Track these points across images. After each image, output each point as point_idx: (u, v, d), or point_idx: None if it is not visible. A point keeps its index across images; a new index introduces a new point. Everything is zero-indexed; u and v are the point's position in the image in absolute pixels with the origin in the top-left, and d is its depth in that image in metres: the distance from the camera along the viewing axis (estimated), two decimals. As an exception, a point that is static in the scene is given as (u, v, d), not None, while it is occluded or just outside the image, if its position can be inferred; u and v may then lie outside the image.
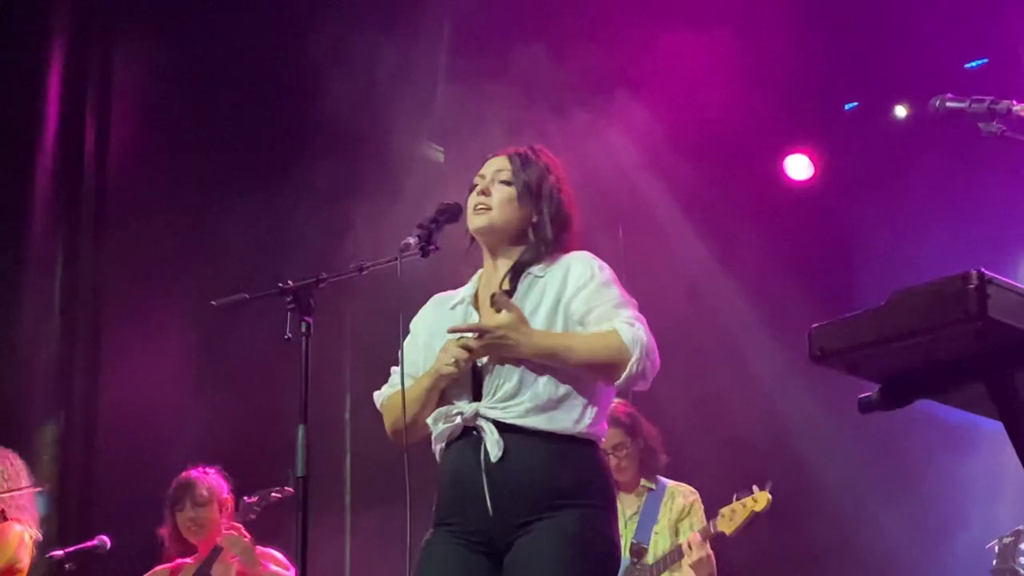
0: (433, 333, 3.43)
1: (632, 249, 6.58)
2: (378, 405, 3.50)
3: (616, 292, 3.35)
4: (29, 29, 6.94)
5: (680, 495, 5.24)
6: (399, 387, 3.35)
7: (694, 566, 4.97)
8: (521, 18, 6.90)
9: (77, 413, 6.82)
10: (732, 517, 4.99)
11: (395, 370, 3.48)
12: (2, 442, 5.44)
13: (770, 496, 4.98)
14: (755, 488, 5.01)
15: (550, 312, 3.32)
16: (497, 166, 3.47)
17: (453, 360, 3.28)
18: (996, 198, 6.13)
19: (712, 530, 5.01)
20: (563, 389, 3.27)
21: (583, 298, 3.32)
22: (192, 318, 6.34)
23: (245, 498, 5.22)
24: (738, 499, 5.02)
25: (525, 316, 3.28)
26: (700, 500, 5.27)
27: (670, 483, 5.27)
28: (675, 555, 5.05)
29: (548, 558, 3.17)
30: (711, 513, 5.11)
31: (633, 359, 3.22)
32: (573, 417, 3.27)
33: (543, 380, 3.26)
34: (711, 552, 4.98)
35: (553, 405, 3.26)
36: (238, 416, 6.41)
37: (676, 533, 5.16)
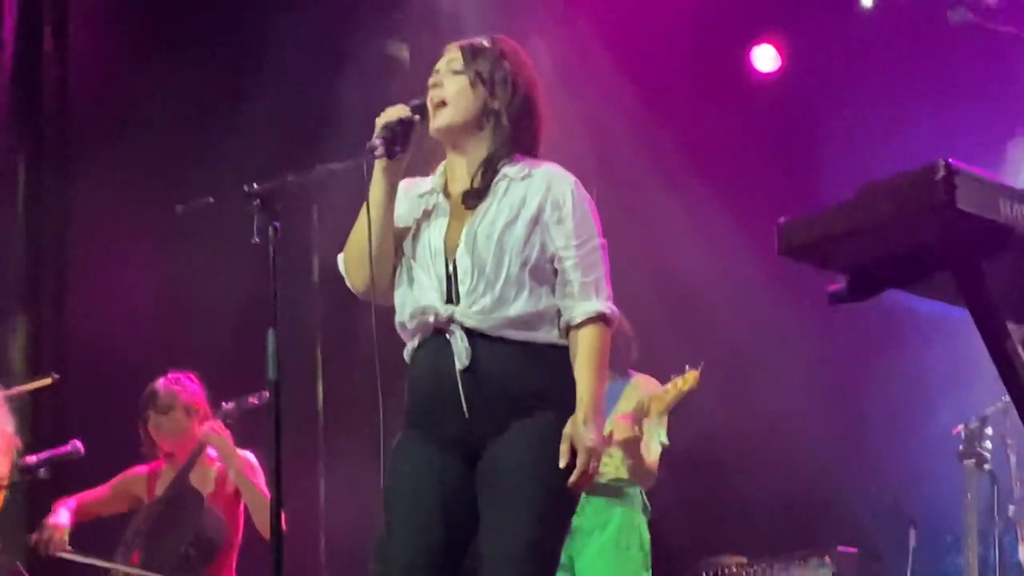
0: (400, 217, 3.41)
1: (598, 145, 6.55)
2: (341, 267, 3.46)
3: (596, 247, 3.35)
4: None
5: (642, 387, 5.22)
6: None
7: (620, 445, 4.99)
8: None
9: (46, 319, 6.80)
10: (663, 398, 5.06)
11: None
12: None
13: (698, 374, 5.02)
14: (687, 368, 5.05)
15: (528, 225, 3.29)
16: (450, 57, 3.43)
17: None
18: (964, 88, 6.10)
19: (644, 408, 5.07)
20: (541, 306, 3.28)
21: (565, 232, 3.31)
22: (159, 223, 6.28)
23: (223, 404, 5.23)
24: (673, 379, 5.10)
25: (499, 224, 3.28)
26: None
27: (636, 375, 5.27)
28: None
29: (521, 459, 3.21)
30: None
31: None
32: (548, 329, 3.30)
33: (522, 299, 3.26)
34: (639, 433, 5.02)
35: (529, 321, 3.27)
36: (210, 321, 6.39)
37: (638, 424, 5.15)
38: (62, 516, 5.17)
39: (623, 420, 5.04)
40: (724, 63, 7.34)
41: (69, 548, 5.12)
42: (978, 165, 2.75)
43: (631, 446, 5.02)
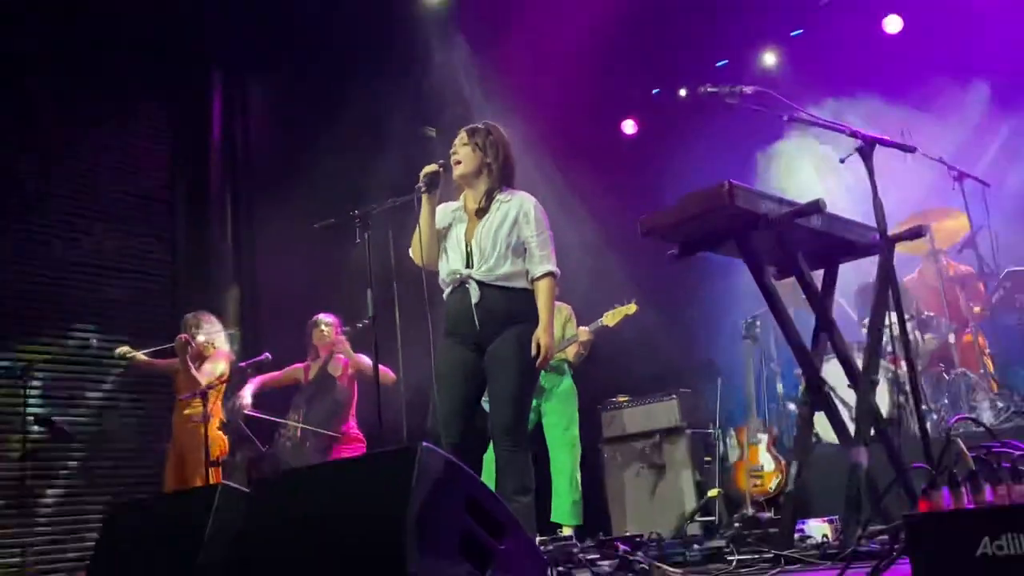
0: (440, 223, 3.42)
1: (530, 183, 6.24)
2: (411, 254, 3.45)
3: (547, 236, 3.35)
4: None
5: (566, 309, 5.07)
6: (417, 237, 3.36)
7: (583, 345, 4.91)
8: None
9: (247, 294, 6.36)
10: (613, 317, 4.92)
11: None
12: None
13: (636, 306, 4.91)
14: (626, 301, 4.94)
15: (511, 227, 3.32)
16: (461, 135, 3.44)
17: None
18: (738, 138, 6.03)
19: (600, 323, 4.93)
20: (518, 268, 3.32)
21: (529, 232, 3.33)
22: (308, 235, 5.98)
23: (344, 328, 5.22)
24: (616, 307, 4.94)
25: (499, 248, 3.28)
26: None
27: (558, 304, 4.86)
28: (570, 341, 4.95)
29: (508, 350, 3.25)
30: (595, 315, 4.99)
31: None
32: (521, 281, 3.33)
33: (507, 264, 3.30)
34: (592, 337, 4.93)
35: (511, 276, 3.31)
36: (333, 289, 5.87)
37: (563, 336, 5.00)
38: (245, 391, 4.98)
39: (584, 329, 4.91)
40: (601, 130, 7.13)
41: (251, 409, 4.94)
42: (743, 179, 2.75)
43: (588, 344, 4.94)
